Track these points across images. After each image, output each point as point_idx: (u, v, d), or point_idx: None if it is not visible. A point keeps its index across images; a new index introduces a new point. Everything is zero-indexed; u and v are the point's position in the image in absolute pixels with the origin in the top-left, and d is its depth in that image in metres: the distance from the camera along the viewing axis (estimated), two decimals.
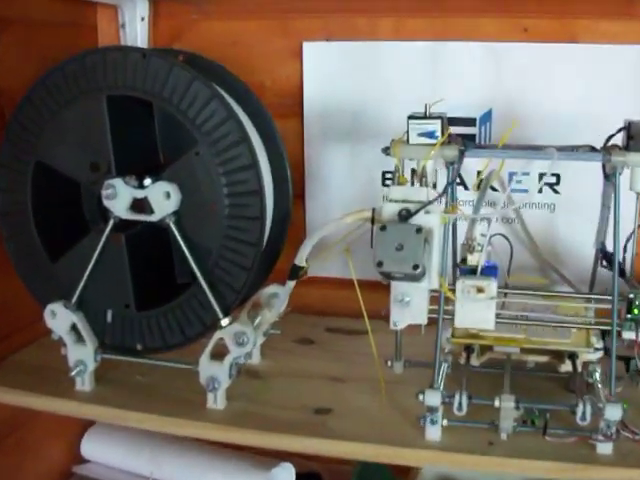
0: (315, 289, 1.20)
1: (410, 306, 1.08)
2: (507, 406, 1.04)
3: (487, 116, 1.38)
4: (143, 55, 1.11)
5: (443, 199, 1.07)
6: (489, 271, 1.09)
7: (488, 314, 1.07)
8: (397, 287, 1.07)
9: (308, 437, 1.10)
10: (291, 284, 1.16)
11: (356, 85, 1.41)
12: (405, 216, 1.05)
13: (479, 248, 1.11)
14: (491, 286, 1.06)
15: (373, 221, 1.09)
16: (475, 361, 1.18)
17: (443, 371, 1.11)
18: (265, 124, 1.22)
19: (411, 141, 1.09)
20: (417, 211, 1.05)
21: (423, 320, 1.09)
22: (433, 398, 1.06)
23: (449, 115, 1.31)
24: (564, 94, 1.35)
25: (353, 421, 1.13)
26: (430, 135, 1.08)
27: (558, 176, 1.37)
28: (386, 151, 1.10)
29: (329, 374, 1.26)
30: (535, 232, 1.39)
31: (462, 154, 1.07)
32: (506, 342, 1.16)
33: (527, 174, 1.35)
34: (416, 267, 1.02)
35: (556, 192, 1.38)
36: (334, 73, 1.42)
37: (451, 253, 1.17)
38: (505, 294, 1.16)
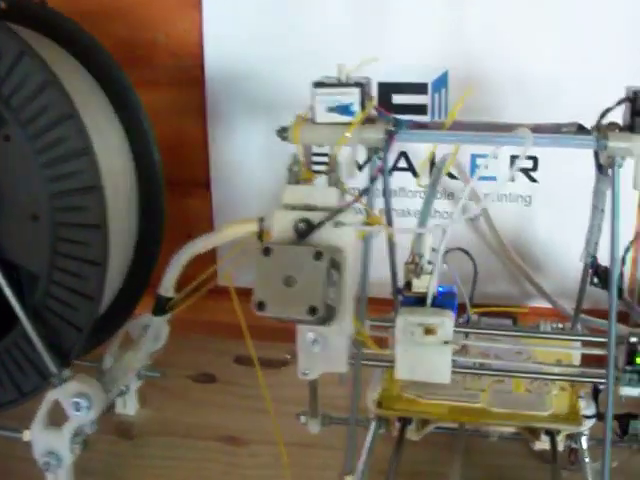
0: (226, 302, 0.82)
1: (325, 349, 0.72)
2: None
3: (442, 80, 0.98)
4: None
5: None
6: (444, 300, 0.73)
7: (441, 363, 0.71)
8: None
9: None
10: (158, 320, 0.78)
11: (272, 42, 1.01)
12: (304, 231, 0.67)
13: (429, 269, 0.73)
14: (445, 325, 0.70)
15: (262, 236, 0.71)
16: (414, 435, 0.80)
17: (369, 450, 0.74)
18: (123, 93, 0.83)
19: (318, 119, 0.71)
20: (321, 223, 0.66)
21: (342, 367, 0.73)
22: None
23: (393, 80, 0.99)
24: (538, 52, 0.96)
25: None
26: (345, 110, 0.70)
27: (535, 159, 0.97)
28: (282, 134, 0.72)
29: (224, 432, 0.89)
30: (507, 231, 1.01)
31: (391, 137, 0.69)
32: (455, 417, 0.78)
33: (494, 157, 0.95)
34: (313, 311, 0.64)
35: (533, 180, 1.00)
36: (244, 27, 1.02)
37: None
38: (466, 335, 0.77)
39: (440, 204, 1.00)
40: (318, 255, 0.65)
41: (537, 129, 0.72)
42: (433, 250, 0.73)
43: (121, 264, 0.82)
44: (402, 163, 1.00)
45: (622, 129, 0.69)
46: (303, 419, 0.82)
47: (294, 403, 0.82)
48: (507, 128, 0.72)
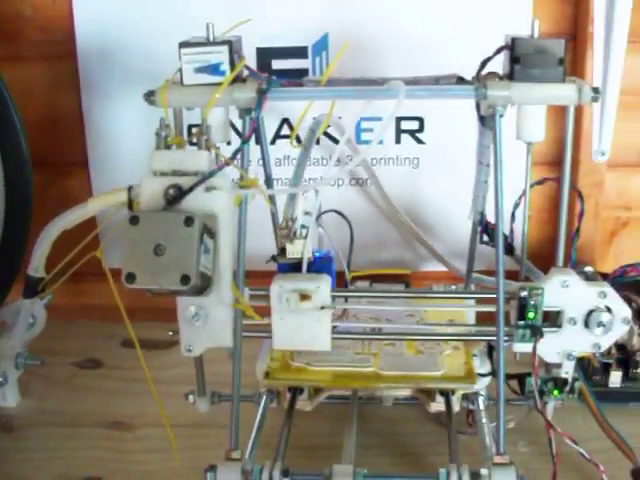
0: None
1: (208, 323, 0.67)
2: None
3: (322, 43, 0.93)
4: None
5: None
6: (321, 265, 0.69)
7: (320, 330, 0.67)
8: (184, 298, 0.66)
9: None
10: (28, 303, 0.72)
11: (144, 10, 0.94)
12: (174, 197, 0.61)
13: (302, 233, 0.69)
14: (321, 290, 0.66)
15: (131, 205, 0.65)
16: (307, 405, 0.76)
17: (259, 425, 0.72)
18: None
19: (186, 81, 0.66)
20: (191, 188, 0.61)
21: (227, 341, 0.68)
22: (229, 477, 0.64)
23: (272, 45, 0.94)
24: (420, 11, 0.92)
25: None
26: (214, 70, 0.65)
27: (421, 120, 0.94)
28: (149, 98, 0.66)
29: (110, 418, 0.83)
30: (396, 195, 0.97)
31: (262, 96, 0.64)
32: (346, 383, 0.74)
33: (378, 119, 0.91)
34: (186, 280, 0.59)
35: (420, 142, 0.95)
36: None
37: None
38: (346, 299, 0.73)
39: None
40: (188, 221, 0.59)
41: (415, 82, 0.68)
42: (306, 214, 0.69)
43: None
44: (285, 130, 0.95)
45: (502, 78, 0.66)
46: (191, 398, 0.77)
47: (185, 383, 0.77)
48: (384, 82, 0.68)
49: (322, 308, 0.66)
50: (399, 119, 0.93)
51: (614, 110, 0.88)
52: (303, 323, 0.67)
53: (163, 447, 0.75)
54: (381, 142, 0.94)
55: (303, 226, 0.69)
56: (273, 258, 0.70)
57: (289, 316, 0.66)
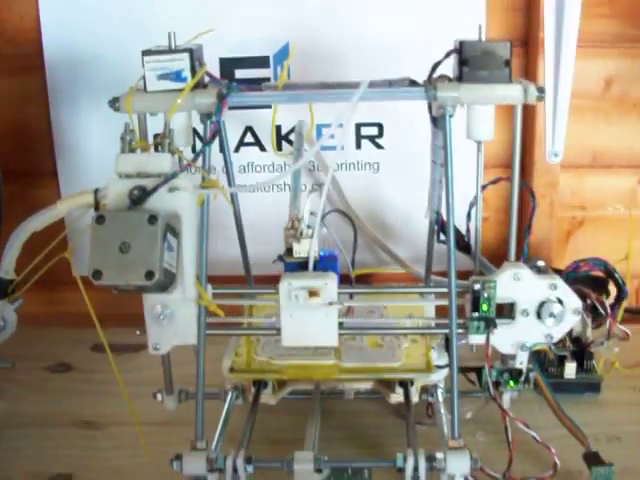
0: (94, 292, 0.77)
1: (174, 321, 0.70)
2: (303, 469, 0.65)
3: (283, 52, 0.96)
4: None
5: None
6: (326, 264, 0.72)
7: (328, 326, 0.70)
8: (150, 296, 0.69)
9: None
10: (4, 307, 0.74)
11: (111, 23, 0.97)
12: (138, 197, 0.64)
13: (309, 232, 0.72)
14: (329, 286, 0.69)
15: (98, 207, 0.68)
16: (271, 399, 0.78)
17: (225, 419, 0.75)
18: None
19: (149, 87, 0.69)
20: (155, 189, 0.64)
21: (192, 339, 0.71)
22: (194, 465, 0.66)
23: (234, 55, 0.98)
24: (377, 19, 0.96)
25: None
26: (177, 77, 0.69)
27: (380, 126, 0.97)
28: (114, 104, 0.69)
29: (82, 418, 0.85)
30: (357, 199, 1.01)
31: (222, 101, 0.68)
32: (309, 375, 0.77)
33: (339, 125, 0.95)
34: (150, 275, 0.62)
35: (379, 147, 0.99)
36: (81, 9, 0.97)
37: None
38: (351, 295, 0.77)
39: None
40: (152, 219, 0.62)
41: (369, 85, 0.72)
42: (311, 214, 0.73)
43: None
44: (249, 138, 0.99)
45: (452, 80, 0.69)
46: (159, 397, 0.79)
47: (154, 384, 0.79)
48: (340, 86, 0.71)
49: (330, 304, 0.68)
50: (359, 125, 0.97)
51: (566, 112, 0.92)
52: (312, 320, 0.69)
53: (133, 444, 0.78)
54: (337, 147, 0.97)
55: (309, 226, 0.72)
56: (280, 258, 0.73)
57: (297, 313, 0.69)
